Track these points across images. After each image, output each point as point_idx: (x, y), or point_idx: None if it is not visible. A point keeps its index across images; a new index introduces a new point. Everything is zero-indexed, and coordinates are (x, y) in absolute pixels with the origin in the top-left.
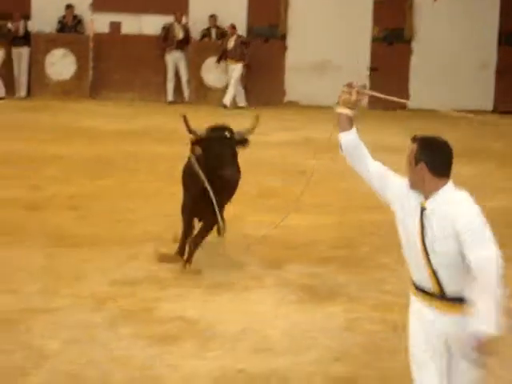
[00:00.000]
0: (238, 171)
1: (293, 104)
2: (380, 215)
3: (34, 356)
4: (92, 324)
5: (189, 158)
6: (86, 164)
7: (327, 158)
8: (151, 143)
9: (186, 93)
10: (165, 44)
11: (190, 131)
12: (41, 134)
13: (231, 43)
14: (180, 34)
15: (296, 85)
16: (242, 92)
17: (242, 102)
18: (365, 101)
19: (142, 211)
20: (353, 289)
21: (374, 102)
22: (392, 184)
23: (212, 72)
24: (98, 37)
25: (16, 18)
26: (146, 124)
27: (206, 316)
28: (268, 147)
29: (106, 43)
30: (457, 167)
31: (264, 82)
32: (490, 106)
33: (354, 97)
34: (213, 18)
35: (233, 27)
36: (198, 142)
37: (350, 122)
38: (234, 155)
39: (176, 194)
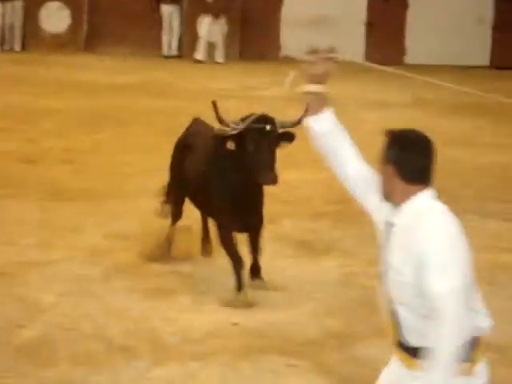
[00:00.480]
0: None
1: (289, 59)
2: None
3: (30, 309)
4: (87, 277)
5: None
6: (81, 118)
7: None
8: (147, 97)
9: (174, 46)
10: None
11: (221, 121)
12: (36, 88)
13: None
14: None
15: (292, 39)
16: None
17: (220, 58)
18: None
19: (138, 165)
20: (348, 244)
21: (369, 58)
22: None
23: (206, 26)
24: None
25: None
26: (141, 78)
27: (200, 270)
28: (263, 102)
29: None
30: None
31: (259, 36)
32: (486, 61)
33: (321, 67)
34: None
35: None
36: (231, 136)
37: (321, 103)
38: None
39: (171, 148)
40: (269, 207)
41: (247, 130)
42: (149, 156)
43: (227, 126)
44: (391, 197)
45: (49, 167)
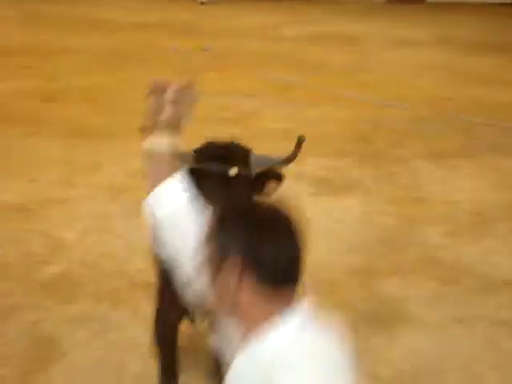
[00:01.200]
0: None
1: None
2: (397, 110)
3: (52, 245)
4: (109, 214)
5: None
6: (102, 56)
7: (350, 52)
8: (167, 36)
9: None
10: None
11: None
12: (59, 26)
13: None
14: None
15: None
16: None
17: None
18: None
19: None
20: (368, 182)
21: None
22: None
23: None
24: None
25: None
26: (162, 17)
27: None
28: (281, 41)
29: None
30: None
31: None
32: None
33: (168, 111)
34: None
35: None
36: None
37: (168, 166)
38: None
39: None
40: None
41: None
42: None
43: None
44: (225, 311)
45: (69, 105)
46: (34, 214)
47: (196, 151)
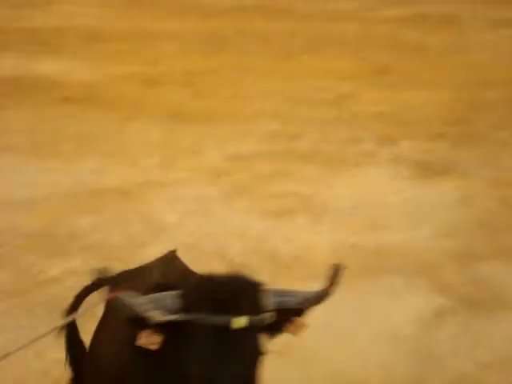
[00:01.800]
0: None
1: None
2: (496, 91)
3: (153, 227)
4: (208, 197)
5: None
6: (200, 40)
7: (449, 33)
8: (263, 19)
9: None
10: None
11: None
12: (157, 11)
13: None
14: None
15: None
16: None
17: None
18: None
19: (255, 87)
20: (467, 165)
21: None
22: None
23: None
24: None
25: None
26: (257, 1)
27: (319, 191)
28: (380, 22)
29: None
30: None
31: None
32: None
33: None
34: None
35: None
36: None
37: None
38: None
39: (290, 71)
40: (387, 128)
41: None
42: (265, 78)
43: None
44: None
45: (169, 89)
46: (136, 197)
47: (185, 293)
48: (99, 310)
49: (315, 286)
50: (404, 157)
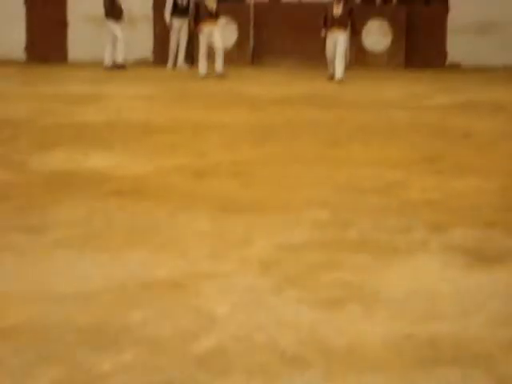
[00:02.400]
0: None
1: (455, 66)
2: None
3: (204, 319)
4: (259, 288)
5: None
6: (248, 131)
7: (495, 120)
8: (312, 108)
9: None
10: None
11: None
12: (205, 103)
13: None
14: None
15: (459, 46)
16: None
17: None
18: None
19: (303, 176)
20: None
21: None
22: None
23: (372, 35)
24: (259, 5)
25: None
26: (305, 90)
27: (370, 280)
28: (429, 110)
29: (267, 11)
30: None
31: (425, 44)
32: None
33: None
34: None
35: None
36: None
37: None
38: None
39: (338, 160)
40: (438, 216)
41: None
42: (314, 167)
43: None
44: None
45: (218, 180)
46: (186, 289)
47: None
48: None
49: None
50: (456, 245)
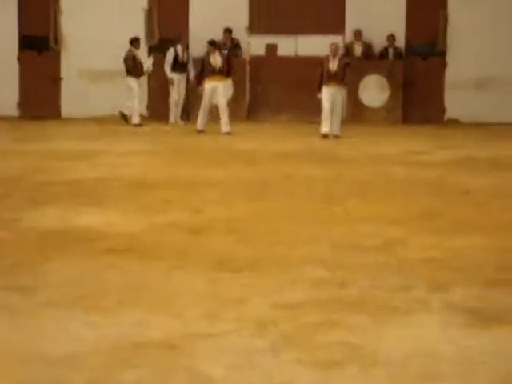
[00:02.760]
0: None
1: (453, 122)
2: None
3: (198, 381)
4: (254, 349)
5: None
6: (244, 187)
7: (494, 177)
8: (308, 164)
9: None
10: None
11: None
12: (200, 159)
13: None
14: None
15: (456, 102)
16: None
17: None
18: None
19: (300, 233)
20: None
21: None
22: None
23: (369, 90)
24: (255, 59)
25: (183, 43)
26: (302, 145)
27: (368, 341)
28: (428, 166)
29: (263, 65)
30: None
31: (423, 99)
32: None
33: None
34: (357, 33)
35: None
36: None
37: None
38: None
39: (335, 215)
40: (438, 274)
41: None
42: (311, 223)
43: None
44: None
45: (213, 237)
46: (180, 350)
47: None
48: None
49: None
50: (457, 304)
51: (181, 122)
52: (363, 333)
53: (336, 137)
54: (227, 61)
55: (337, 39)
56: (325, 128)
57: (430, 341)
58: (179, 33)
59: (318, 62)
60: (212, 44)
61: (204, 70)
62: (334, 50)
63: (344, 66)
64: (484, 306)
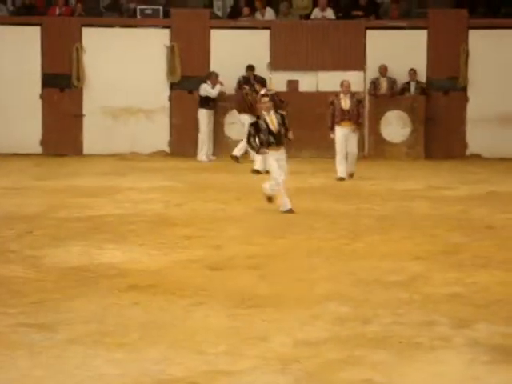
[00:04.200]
0: None
1: (475, 157)
2: None
3: None
4: None
5: None
6: (264, 223)
7: None
8: (329, 200)
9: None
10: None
11: None
12: (221, 195)
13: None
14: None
15: (478, 137)
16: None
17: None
18: None
19: (322, 269)
20: None
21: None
22: None
23: (391, 125)
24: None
25: (213, 79)
26: (323, 181)
27: (392, 378)
28: (451, 201)
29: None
30: None
31: (445, 134)
32: None
33: None
34: (383, 68)
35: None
36: None
37: None
38: None
39: (358, 252)
40: (462, 310)
41: None
42: (333, 259)
43: None
44: None
45: (234, 273)
46: None
47: None
48: None
49: None
50: (481, 341)
51: (212, 158)
52: (387, 370)
53: (351, 175)
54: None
55: (358, 75)
56: (340, 174)
57: (455, 378)
58: (207, 71)
59: (329, 101)
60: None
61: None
62: (346, 86)
63: (357, 104)
64: (509, 342)
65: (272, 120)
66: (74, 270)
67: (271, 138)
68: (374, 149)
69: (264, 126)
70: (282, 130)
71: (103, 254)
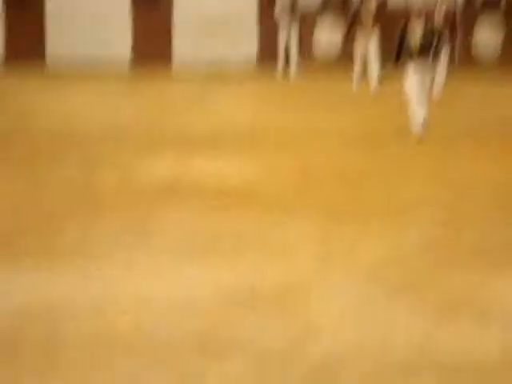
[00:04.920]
0: None
1: None
2: None
3: (311, 329)
4: (367, 297)
5: None
6: (354, 139)
7: None
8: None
9: None
10: None
11: None
12: (318, 106)
13: None
14: None
15: None
16: None
17: None
18: None
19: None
20: None
21: None
22: None
23: None
24: None
25: None
26: None
27: None
28: None
29: None
30: None
31: None
32: None
33: None
34: None
35: None
36: None
37: None
38: None
39: None
40: None
41: None
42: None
43: None
44: None
45: (326, 185)
46: (292, 298)
47: None
48: None
49: None
50: None
51: None
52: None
53: None
54: None
55: None
56: None
57: None
58: None
59: None
60: None
61: None
62: None
63: None
64: None
65: None
66: (167, 181)
67: None
68: None
69: None
70: None
71: (194, 166)
